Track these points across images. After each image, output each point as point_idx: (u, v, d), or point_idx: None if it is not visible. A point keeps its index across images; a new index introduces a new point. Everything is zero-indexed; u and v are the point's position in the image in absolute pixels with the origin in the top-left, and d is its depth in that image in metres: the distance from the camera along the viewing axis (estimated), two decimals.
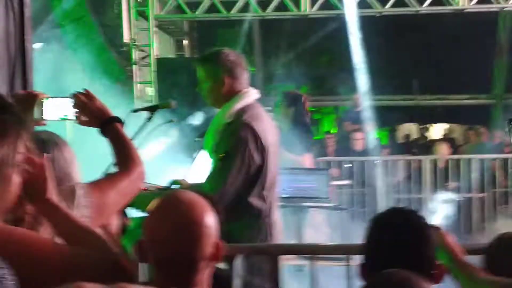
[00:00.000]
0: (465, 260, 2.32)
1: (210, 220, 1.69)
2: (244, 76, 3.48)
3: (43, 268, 1.55)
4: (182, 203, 1.68)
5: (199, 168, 3.71)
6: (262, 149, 3.30)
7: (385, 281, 1.62)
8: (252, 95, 3.46)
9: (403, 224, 2.03)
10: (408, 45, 11.01)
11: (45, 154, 1.74)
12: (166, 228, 1.65)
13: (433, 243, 2.04)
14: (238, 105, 3.38)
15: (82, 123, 2.35)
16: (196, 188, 3.26)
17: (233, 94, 3.41)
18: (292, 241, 5.37)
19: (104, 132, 2.28)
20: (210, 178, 3.31)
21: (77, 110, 2.33)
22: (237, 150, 3.25)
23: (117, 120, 2.31)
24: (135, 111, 3.53)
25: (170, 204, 1.70)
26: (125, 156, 2.16)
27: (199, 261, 1.65)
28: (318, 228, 7.41)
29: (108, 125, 2.26)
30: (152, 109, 3.58)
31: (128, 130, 3.37)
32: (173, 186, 3.57)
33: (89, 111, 2.31)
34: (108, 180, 2.11)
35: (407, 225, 2.03)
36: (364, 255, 2.06)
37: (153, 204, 1.72)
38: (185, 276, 1.64)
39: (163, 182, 3.60)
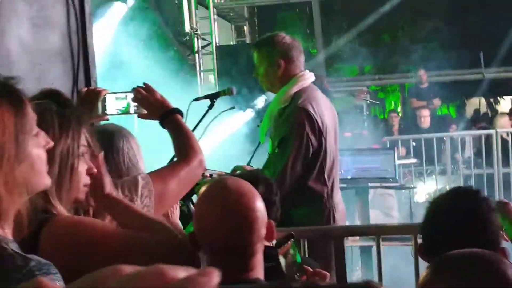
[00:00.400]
0: None
1: (259, 203, 1.70)
2: (300, 59, 3.48)
3: (108, 255, 1.61)
4: (229, 189, 1.69)
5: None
6: (319, 132, 3.29)
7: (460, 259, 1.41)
8: (308, 78, 3.45)
9: (464, 206, 1.97)
10: (473, 17, 10.69)
11: (101, 152, 1.80)
12: (216, 215, 1.66)
13: (496, 225, 1.96)
14: (294, 88, 3.38)
15: (142, 116, 2.41)
16: (257, 173, 3.30)
17: (289, 78, 3.41)
18: (358, 222, 5.36)
19: (164, 124, 2.34)
20: (270, 164, 3.33)
21: (137, 104, 2.40)
22: (294, 134, 3.25)
23: (177, 111, 2.36)
24: (197, 99, 3.59)
25: (218, 192, 1.71)
26: (184, 145, 2.21)
27: (253, 245, 1.66)
28: (386, 209, 7.35)
29: (168, 117, 2.32)
30: (213, 97, 3.63)
31: (192, 119, 3.48)
32: (237, 172, 3.62)
33: (149, 104, 2.37)
34: (168, 169, 2.16)
35: (468, 207, 1.96)
36: (424, 236, 2.02)
37: (200, 192, 1.74)
38: (241, 262, 1.65)
39: (227, 168, 3.66)
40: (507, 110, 12.96)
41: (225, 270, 1.63)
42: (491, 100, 12.13)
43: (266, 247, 1.82)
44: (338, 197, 3.48)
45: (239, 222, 1.65)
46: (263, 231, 1.68)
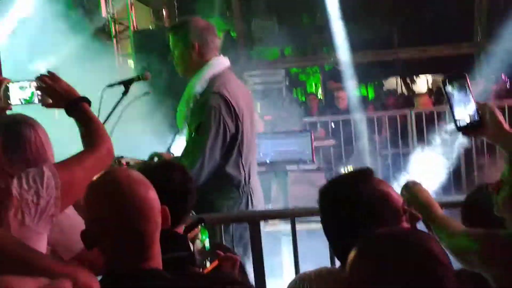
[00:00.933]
0: (442, 214, 2.29)
1: (151, 191, 1.67)
2: (215, 43, 3.47)
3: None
4: (119, 181, 1.65)
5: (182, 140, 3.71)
6: (236, 117, 3.29)
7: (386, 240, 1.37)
8: (222, 62, 3.45)
9: (362, 187, 1.89)
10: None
11: None
12: (108, 209, 1.62)
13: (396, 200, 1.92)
14: (209, 73, 3.37)
15: (47, 105, 2.35)
16: (172, 161, 3.27)
17: (203, 62, 3.40)
18: (277, 205, 5.41)
19: (70, 113, 2.29)
20: (188, 151, 3.30)
21: (41, 93, 2.34)
22: (210, 120, 3.24)
23: (84, 100, 2.32)
24: (110, 86, 3.52)
25: (107, 184, 1.66)
26: (91, 134, 2.18)
27: (151, 234, 1.63)
28: (304, 191, 7.46)
29: (74, 106, 2.27)
30: (127, 83, 3.56)
31: (105, 105, 3.41)
32: (154, 159, 3.59)
33: (54, 93, 2.31)
34: (75, 159, 2.11)
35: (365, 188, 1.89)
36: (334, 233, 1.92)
37: (89, 184, 1.68)
38: (139, 253, 1.63)
39: (145, 155, 3.61)
40: (424, 89, 13.41)
41: (124, 261, 1.62)
42: (408, 79, 12.46)
43: (175, 234, 1.80)
44: (255, 182, 3.50)
45: (133, 213, 1.62)
46: (158, 219, 1.66)
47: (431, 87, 13.76)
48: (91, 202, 1.66)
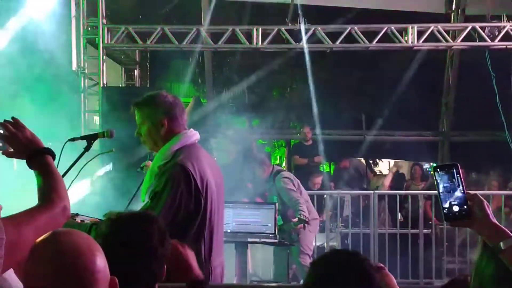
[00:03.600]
0: None
1: (99, 261, 1.51)
2: (183, 117, 3.40)
3: None
4: (63, 247, 1.48)
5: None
6: (197, 191, 3.17)
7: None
8: (191, 136, 3.37)
9: (345, 267, 1.89)
10: (358, 81, 11.15)
11: None
12: (48, 279, 1.45)
13: (377, 285, 1.91)
14: (176, 146, 3.28)
15: (7, 154, 2.22)
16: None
17: (172, 135, 3.32)
18: (235, 278, 5.25)
19: (31, 164, 2.16)
20: None
21: (2, 140, 2.21)
22: (167, 189, 3.12)
23: (47, 152, 2.20)
24: (72, 140, 3.41)
25: (50, 250, 1.49)
26: (49, 189, 2.04)
27: None
28: (263, 264, 7.32)
29: (36, 157, 2.15)
30: (90, 138, 3.46)
31: (66, 160, 3.28)
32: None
33: (16, 142, 2.19)
34: (26, 215, 1.96)
35: (349, 268, 1.89)
36: None
37: (32, 248, 1.51)
38: None
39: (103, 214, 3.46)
40: (385, 171, 13.53)
41: None
42: (370, 161, 12.57)
43: None
44: (219, 260, 3.35)
45: (75, 286, 1.46)
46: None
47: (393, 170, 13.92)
48: (30, 268, 1.49)
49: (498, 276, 1.93)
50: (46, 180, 2.08)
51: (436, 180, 2.02)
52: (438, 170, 2.03)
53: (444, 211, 2.01)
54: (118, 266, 1.74)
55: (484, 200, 2.02)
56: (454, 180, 2.01)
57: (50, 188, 2.05)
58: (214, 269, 3.27)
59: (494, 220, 1.99)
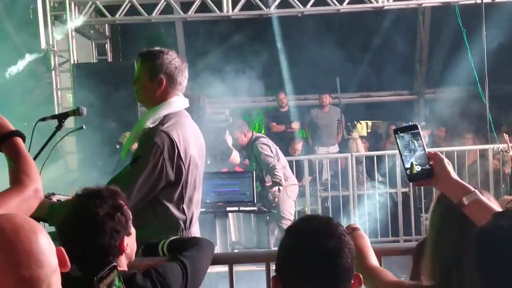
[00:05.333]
0: (374, 264, 2.28)
1: (41, 235, 1.54)
2: (183, 85, 3.34)
3: None
4: (4, 227, 1.50)
5: None
6: (179, 160, 3.17)
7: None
8: (181, 103, 3.33)
9: (320, 231, 1.88)
10: (330, 44, 11.10)
11: None
12: None
13: (352, 249, 1.89)
14: (164, 111, 3.25)
15: None
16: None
17: (165, 98, 3.28)
18: (216, 247, 5.29)
19: (1, 147, 2.15)
20: (117, 180, 3.11)
21: None
22: (149, 156, 3.11)
23: (17, 134, 2.18)
24: (43, 119, 3.39)
25: None
26: (20, 171, 2.03)
27: (43, 279, 1.50)
28: (246, 232, 7.38)
29: (5, 140, 2.14)
30: (61, 117, 3.44)
31: (39, 139, 3.26)
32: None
33: None
34: None
35: (323, 234, 1.87)
36: (278, 267, 1.91)
37: None
38: None
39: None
40: (364, 134, 13.60)
41: None
42: (348, 124, 12.61)
43: (85, 281, 1.66)
44: (196, 228, 3.38)
45: (20, 260, 1.48)
46: (53, 262, 1.53)
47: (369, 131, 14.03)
48: None
49: (450, 231, 2.03)
50: (16, 163, 2.07)
51: (397, 142, 2.04)
52: (398, 132, 2.05)
53: (407, 171, 2.03)
54: (70, 243, 1.90)
55: (444, 158, 2.05)
56: (414, 140, 2.03)
57: (20, 171, 2.04)
58: (194, 236, 3.30)
59: (456, 177, 2.02)
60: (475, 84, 9.28)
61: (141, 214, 2.81)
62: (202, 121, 6.00)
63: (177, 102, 3.30)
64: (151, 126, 3.22)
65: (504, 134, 7.59)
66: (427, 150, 2.04)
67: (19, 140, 2.17)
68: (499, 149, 8.15)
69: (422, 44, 12.32)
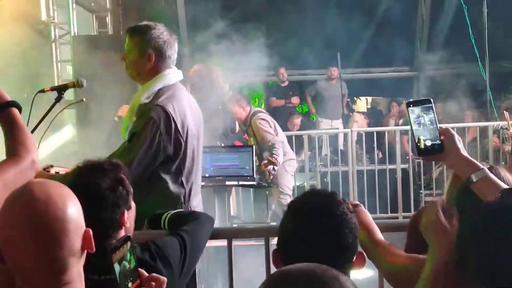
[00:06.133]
0: (380, 239, 2.26)
1: (73, 211, 1.53)
2: (173, 58, 3.34)
3: None
4: (35, 197, 1.50)
5: None
6: (177, 133, 3.17)
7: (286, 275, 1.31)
8: (174, 76, 3.32)
9: (321, 209, 1.88)
10: (331, 19, 11.03)
11: None
12: (20, 228, 1.48)
13: (354, 228, 1.89)
14: (158, 85, 3.24)
15: None
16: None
17: (156, 73, 3.27)
18: (217, 221, 5.31)
19: None
20: (115, 157, 3.12)
21: None
22: (146, 131, 3.12)
23: (13, 104, 2.18)
24: (42, 91, 3.39)
25: (22, 200, 1.51)
26: (17, 143, 2.04)
27: (62, 260, 1.50)
28: (245, 207, 7.39)
29: (1, 110, 2.14)
30: (60, 89, 3.44)
31: (38, 111, 3.26)
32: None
33: None
34: None
35: (325, 210, 1.87)
36: (279, 241, 1.92)
37: (5, 200, 1.53)
38: (49, 280, 1.50)
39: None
40: (363, 110, 13.58)
41: (38, 285, 1.49)
42: (348, 100, 12.58)
43: (96, 257, 1.66)
44: (197, 201, 3.39)
45: (43, 235, 1.48)
46: (77, 243, 1.53)
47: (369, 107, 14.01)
48: (4, 218, 1.51)
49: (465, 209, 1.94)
50: (12, 134, 2.07)
51: (409, 115, 2.02)
52: (411, 105, 2.01)
53: (417, 145, 2.02)
54: None
55: (455, 134, 2.03)
56: (426, 115, 2.01)
57: (16, 142, 2.04)
58: (194, 209, 3.32)
59: (466, 154, 2.01)
60: (475, 61, 9.25)
61: (138, 188, 2.82)
62: (214, 94, 5.88)
63: (171, 75, 3.30)
64: (146, 101, 3.22)
65: (504, 111, 7.58)
66: (439, 125, 2.02)
67: (15, 110, 2.17)
68: (499, 126, 8.14)
69: (423, 21, 12.24)
